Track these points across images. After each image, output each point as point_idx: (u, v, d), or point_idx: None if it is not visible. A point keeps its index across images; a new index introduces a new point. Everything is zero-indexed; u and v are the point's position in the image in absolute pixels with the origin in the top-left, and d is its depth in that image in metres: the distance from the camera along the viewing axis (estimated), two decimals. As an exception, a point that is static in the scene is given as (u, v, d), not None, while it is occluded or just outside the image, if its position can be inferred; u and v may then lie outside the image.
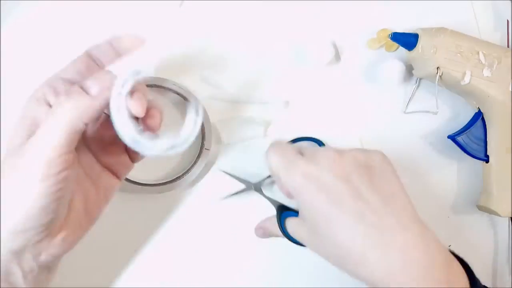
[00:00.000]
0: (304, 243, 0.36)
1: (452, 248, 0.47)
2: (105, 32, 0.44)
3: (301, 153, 0.34)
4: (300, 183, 0.32)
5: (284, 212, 0.41)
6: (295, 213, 0.41)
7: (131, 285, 0.44)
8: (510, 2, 0.49)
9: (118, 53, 0.33)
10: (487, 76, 0.44)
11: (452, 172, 0.49)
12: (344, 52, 0.47)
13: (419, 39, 0.44)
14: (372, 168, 0.34)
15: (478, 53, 0.44)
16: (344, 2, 0.48)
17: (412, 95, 0.47)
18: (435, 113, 0.46)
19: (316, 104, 0.47)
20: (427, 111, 0.47)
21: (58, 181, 0.28)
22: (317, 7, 0.47)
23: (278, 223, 0.40)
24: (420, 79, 0.47)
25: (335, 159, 0.33)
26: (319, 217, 0.32)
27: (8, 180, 0.28)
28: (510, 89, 0.44)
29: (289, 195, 0.36)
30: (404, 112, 0.47)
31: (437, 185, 0.48)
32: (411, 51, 0.45)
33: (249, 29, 0.47)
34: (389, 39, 0.45)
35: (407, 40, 0.44)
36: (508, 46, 0.49)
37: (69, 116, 0.28)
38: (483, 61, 0.44)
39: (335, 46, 0.46)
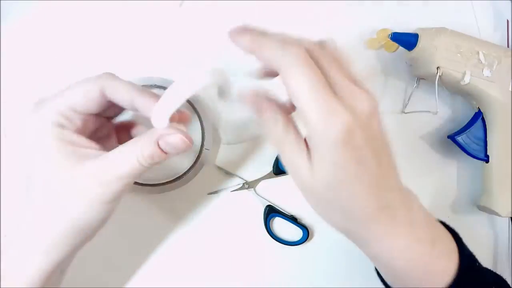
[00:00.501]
0: (305, 190, 0.31)
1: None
2: (106, 32, 0.44)
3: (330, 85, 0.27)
4: (338, 139, 0.26)
5: (271, 213, 0.45)
6: (281, 215, 0.45)
7: (130, 284, 0.44)
8: (510, 2, 0.49)
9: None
10: (487, 76, 0.44)
11: (452, 172, 0.49)
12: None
13: (419, 39, 0.44)
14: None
15: (478, 53, 0.44)
16: (344, 2, 0.48)
17: (412, 95, 0.47)
18: (435, 113, 0.46)
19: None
20: (427, 111, 0.47)
21: None
22: (316, 7, 0.47)
23: (264, 223, 0.45)
24: (420, 79, 0.47)
25: (373, 113, 0.28)
26: (343, 177, 0.28)
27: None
28: (510, 89, 0.44)
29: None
30: (404, 112, 0.47)
31: (437, 185, 0.48)
32: (411, 51, 0.45)
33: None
34: (389, 39, 0.45)
35: (407, 40, 0.44)
36: (508, 46, 0.49)
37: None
38: (483, 61, 0.44)
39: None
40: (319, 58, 0.28)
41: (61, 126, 0.30)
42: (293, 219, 0.45)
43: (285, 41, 0.28)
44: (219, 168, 0.45)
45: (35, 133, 0.30)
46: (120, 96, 0.31)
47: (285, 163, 0.30)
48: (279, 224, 0.46)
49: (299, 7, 0.47)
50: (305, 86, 0.26)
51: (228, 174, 0.45)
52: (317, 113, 0.26)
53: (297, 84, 0.27)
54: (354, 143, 0.27)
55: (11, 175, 0.42)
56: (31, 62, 0.43)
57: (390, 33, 0.44)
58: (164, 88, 0.42)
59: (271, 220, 0.45)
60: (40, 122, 0.30)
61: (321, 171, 0.28)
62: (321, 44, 0.30)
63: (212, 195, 0.45)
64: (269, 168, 0.46)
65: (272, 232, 0.45)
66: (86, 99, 0.31)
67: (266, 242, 0.45)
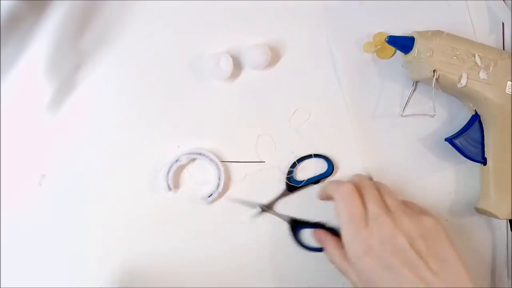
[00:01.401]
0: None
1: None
2: (106, 31, 0.44)
3: (366, 217, 0.38)
4: (361, 254, 0.37)
5: (297, 225, 0.45)
6: (307, 225, 0.45)
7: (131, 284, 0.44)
8: (505, 4, 0.49)
9: None
10: (484, 79, 0.44)
11: (449, 175, 0.48)
12: (339, 55, 0.47)
13: (415, 42, 0.44)
14: (426, 238, 0.37)
15: (474, 55, 0.44)
16: (339, 6, 0.48)
17: (409, 98, 0.47)
18: (432, 116, 0.46)
19: (314, 109, 0.47)
20: (424, 114, 0.47)
21: None
22: (313, 11, 0.47)
23: (292, 236, 0.45)
24: (417, 82, 0.47)
25: (393, 233, 0.37)
26: (376, 282, 0.36)
27: None
28: (507, 91, 0.44)
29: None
30: (401, 115, 0.47)
31: (435, 188, 0.48)
32: (407, 55, 0.45)
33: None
34: (385, 42, 0.45)
35: (403, 43, 0.44)
36: (503, 48, 0.49)
37: None
38: (479, 64, 0.44)
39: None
40: (365, 190, 0.40)
41: None
42: (321, 226, 0.45)
43: (339, 182, 0.41)
44: (235, 200, 0.45)
45: None
46: None
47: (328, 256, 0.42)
48: (306, 235, 0.46)
49: (297, 8, 0.47)
50: (344, 216, 0.39)
51: (244, 203, 0.45)
52: (348, 236, 0.39)
53: (340, 213, 0.39)
54: (373, 255, 0.37)
55: (11, 175, 0.43)
56: (31, 63, 0.44)
57: (386, 36, 0.44)
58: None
59: (298, 233, 0.45)
60: None
61: (354, 266, 0.38)
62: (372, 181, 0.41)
63: (234, 224, 0.45)
64: (282, 186, 0.45)
65: (302, 244, 0.45)
66: None
67: (293, 254, 0.45)
